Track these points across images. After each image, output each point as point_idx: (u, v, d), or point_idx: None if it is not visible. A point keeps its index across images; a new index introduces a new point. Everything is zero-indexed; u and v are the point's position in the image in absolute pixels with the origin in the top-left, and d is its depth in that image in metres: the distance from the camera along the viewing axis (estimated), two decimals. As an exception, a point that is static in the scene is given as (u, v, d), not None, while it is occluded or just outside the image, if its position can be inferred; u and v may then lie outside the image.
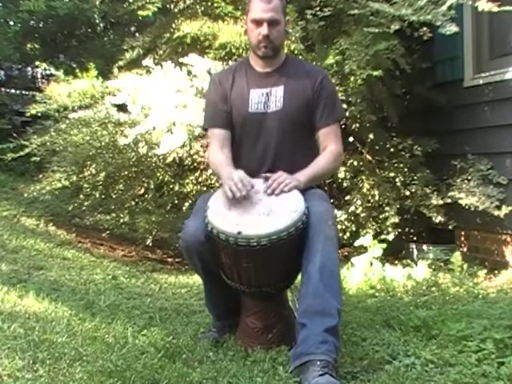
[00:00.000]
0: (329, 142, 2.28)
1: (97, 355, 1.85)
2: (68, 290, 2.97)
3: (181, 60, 3.72)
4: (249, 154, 2.28)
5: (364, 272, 3.37)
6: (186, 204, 4.22)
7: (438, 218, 3.94)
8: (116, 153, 4.07)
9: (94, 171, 4.16)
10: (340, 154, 2.33)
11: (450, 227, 4.07)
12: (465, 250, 4.15)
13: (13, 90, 7.83)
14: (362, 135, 4.26)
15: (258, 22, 2.22)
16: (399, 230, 4.07)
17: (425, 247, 4.13)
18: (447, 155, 4.20)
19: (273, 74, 2.30)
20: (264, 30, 2.20)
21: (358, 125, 4.13)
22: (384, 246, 3.50)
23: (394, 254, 4.08)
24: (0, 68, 8.12)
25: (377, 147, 4.31)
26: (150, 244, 4.38)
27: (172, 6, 4.35)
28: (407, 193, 4.10)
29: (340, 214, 4.09)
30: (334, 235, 2.04)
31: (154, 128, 3.64)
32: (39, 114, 4.43)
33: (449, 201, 3.92)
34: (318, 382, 1.75)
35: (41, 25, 7.47)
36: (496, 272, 3.66)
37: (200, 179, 4.30)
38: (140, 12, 4.26)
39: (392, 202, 4.02)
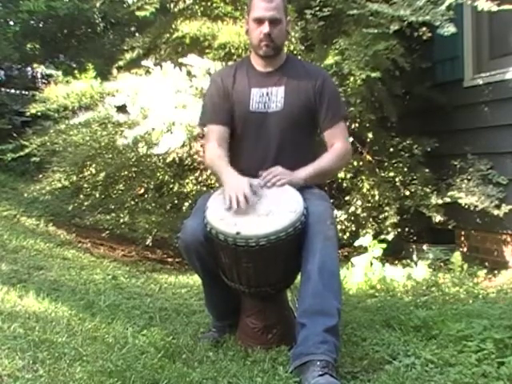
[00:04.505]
0: (335, 140, 2.28)
1: (97, 355, 1.85)
2: (68, 289, 2.97)
3: (180, 60, 3.72)
4: (249, 154, 2.28)
5: (364, 272, 3.37)
6: (186, 204, 4.22)
7: (438, 218, 3.93)
8: (116, 153, 4.07)
9: (93, 171, 4.17)
10: (347, 151, 2.32)
11: (450, 227, 4.07)
12: (465, 249, 4.14)
13: (13, 90, 7.83)
14: (361, 135, 4.25)
15: (259, 21, 2.21)
16: (399, 230, 4.06)
17: (425, 247, 4.13)
18: (447, 155, 4.20)
19: (274, 74, 2.30)
20: (265, 28, 2.20)
21: (357, 125, 4.12)
22: (384, 246, 3.50)
23: (394, 254, 4.08)
24: (0, 68, 8.11)
25: (376, 147, 4.31)
26: (150, 244, 4.38)
27: (172, 6, 4.35)
28: (407, 193, 4.10)
29: (340, 214, 4.09)
30: (333, 235, 2.03)
31: (154, 128, 3.64)
32: (39, 114, 4.43)
33: (448, 200, 3.91)
34: (318, 381, 1.75)
35: (41, 25, 7.47)
36: (496, 272, 3.66)
37: (200, 179, 4.30)
38: (138, 12, 4.25)
39: (392, 201, 4.02)
